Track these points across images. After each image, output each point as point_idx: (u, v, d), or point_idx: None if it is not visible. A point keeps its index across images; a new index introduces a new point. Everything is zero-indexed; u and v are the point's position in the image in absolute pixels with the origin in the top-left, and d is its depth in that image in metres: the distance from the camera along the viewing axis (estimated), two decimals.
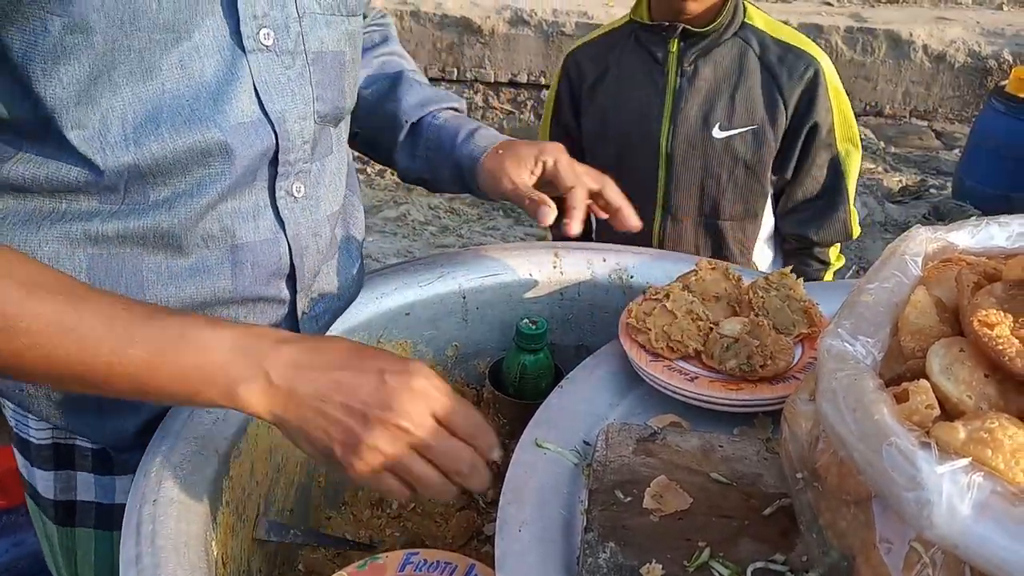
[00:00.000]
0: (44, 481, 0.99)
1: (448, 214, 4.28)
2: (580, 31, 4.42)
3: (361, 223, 1.12)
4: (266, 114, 0.82)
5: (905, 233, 0.77)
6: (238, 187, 0.83)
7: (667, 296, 0.93)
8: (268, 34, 0.80)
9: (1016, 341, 0.59)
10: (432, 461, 0.71)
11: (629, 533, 0.70)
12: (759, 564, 0.67)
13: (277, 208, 0.87)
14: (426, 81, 1.23)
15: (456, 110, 1.18)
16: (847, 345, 0.64)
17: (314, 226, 0.92)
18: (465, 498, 1.27)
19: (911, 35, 4.15)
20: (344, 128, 1.02)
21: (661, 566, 0.67)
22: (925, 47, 4.21)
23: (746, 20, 1.62)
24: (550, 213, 0.98)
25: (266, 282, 0.89)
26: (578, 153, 1.75)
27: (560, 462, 0.83)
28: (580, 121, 1.75)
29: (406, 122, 1.13)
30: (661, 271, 1.17)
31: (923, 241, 0.76)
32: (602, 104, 1.70)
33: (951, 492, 0.48)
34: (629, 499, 0.74)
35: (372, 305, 1.11)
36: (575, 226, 1.00)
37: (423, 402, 0.70)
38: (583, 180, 1.03)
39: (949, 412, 0.58)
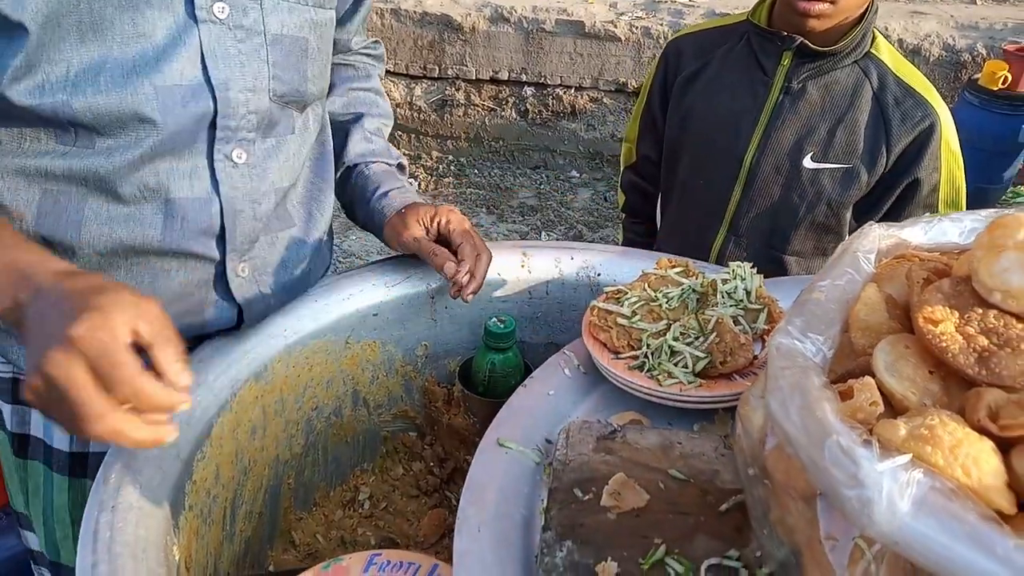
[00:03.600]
0: (6, 413, 1.05)
1: None
2: (561, 28, 4.42)
3: (328, 211, 1.14)
4: (209, 81, 0.86)
5: (859, 230, 0.78)
6: (175, 146, 0.87)
7: (627, 294, 0.93)
8: (223, 8, 0.86)
9: (960, 338, 0.59)
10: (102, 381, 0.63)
11: (586, 531, 0.71)
12: (713, 560, 0.68)
13: (214, 170, 0.91)
14: (386, 118, 1.29)
15: (389, 164, 1.24)
16: (796, 343, 0.64)
17: (253, 193, 0.96)
18: (437, 496, 1.27)
19: (886, 28, 4.17)
20: (312, 116, 1.06)
21: (616, 564, 0.67)
22: (900, 40, 4.23)
23: (871, 50, 1.45)
24: (452, 267, 1.05)
25: (195, 239, 0.93)
26: (659, 149, 1.66)
27: (521, 461, 0.83)
28: (666, 114, 1.63)
29: (343, 164, 1.21)
30: (628, 268, 1.17)
31: (876, 238, 0.77)
32: (693, 101, 1.56)
33: (891, 489, 0.49)
34: (588, 497, 0.75)
35: (340, 306, 1.11)
36: (470, 289, 1.05)
37: (114, 317, 0.64)
38: (470, 239, 1.09)
39: (894, 408, 0.59)
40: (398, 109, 4.69)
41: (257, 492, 1.05)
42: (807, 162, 1.44)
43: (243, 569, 1.00)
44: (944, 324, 0.60)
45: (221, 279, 0.98)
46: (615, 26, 4.36)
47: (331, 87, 1.19)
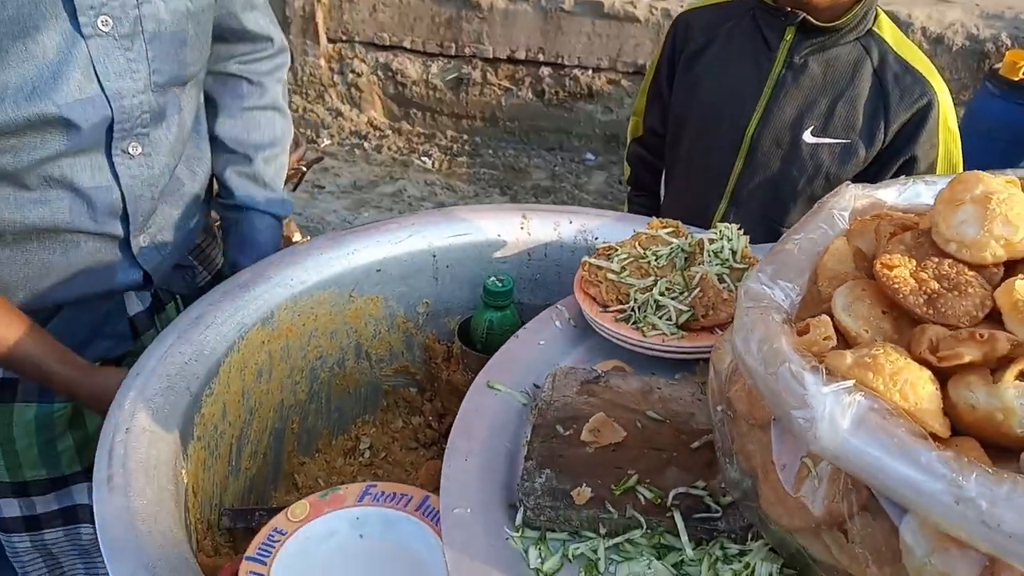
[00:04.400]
0: None
1: (444, 191, 4.32)
2: (580, 8, 4.42)
3: (206, 162, 1.24)
4: (104, 92, 0.95)
5: (835, 189, 0.82)
6: (78, 146, 0.96)
7: (618, 251, 0.98)
8: (106, 21, 0.93)
9: (913, 281, 0.63)
10: None
11: (565, 462, 0.76)
12: (681, 489, 0.72)
13: (113, 163, 1.01)
14: (282, 142, 1.35)
15: (271, 215, 1.32)
16: (764, 288, 0.68)
17: (150, 179, 1.06)
18: (435, 449, 1.32)
19: (910, 16, 4.15)
20: (194, 85, 1.12)
21: (590, 489, 0.72)
22: (924, 29, 4.21)
23: (873, 28, 1.48)
24: None
25: (101, 220, 1.04)
26: (666, 123, 1.69)
27: (510, 402, 0.88)
28: (672, 87, 1.65)
29: (223, 195, 1.30)
30: (624, 233, 1.20)
31: (852, 197, 0.81)
32: (699, 74, 1.58)
33: (834, 409, 0.53)
34: (568, 433, 0.80)
35: (344, 260, 1.16)
36: None
37: None
38: None
39: (849, 344, 0.63)
40: (414, 87, 4.72)
41: (262, 433, 1.11)
42: (807, 136, 1.47)
43: (247, 504, 1.06)
44: (899, 269, 0.64)
45: (126, 249, 1.09)
46: (635, 7, 4.36)
47: (223, 107, 1.26)
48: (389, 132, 4.80)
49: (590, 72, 4.61)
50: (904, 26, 4.18)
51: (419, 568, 0.84)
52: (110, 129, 0.98)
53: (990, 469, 0.48)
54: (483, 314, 1.17)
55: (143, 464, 0.78)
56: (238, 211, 1.30)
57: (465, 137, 4.79)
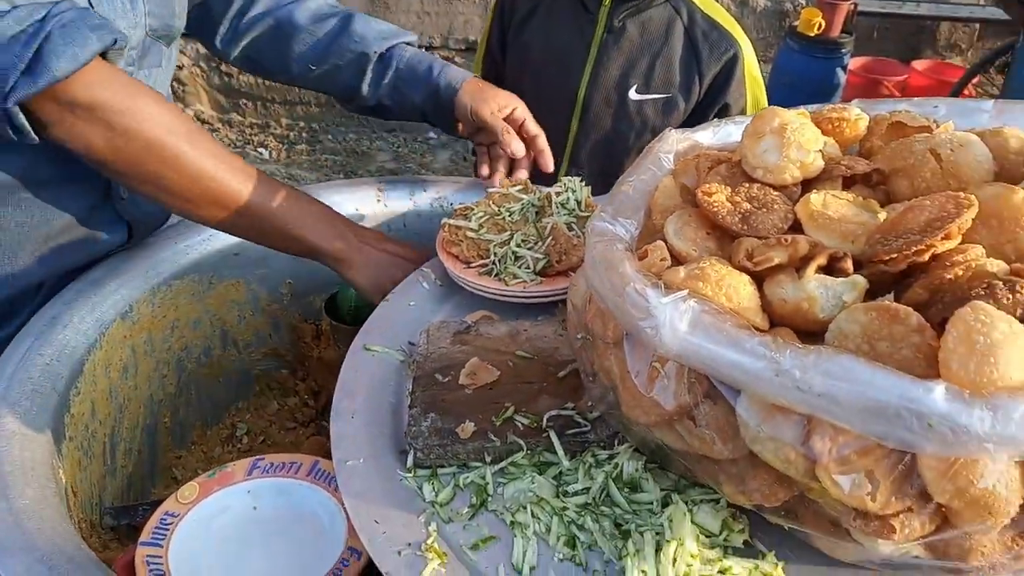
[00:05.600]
0: None
1: (287, 180, 4.21)
2: None
3: None
4: None
5: (660, 135, 0.92)
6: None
7: (474, 211, 1.04)
8: None
9: (728, 204, 0.74)
10: None
11: (447, 404, 0.82)
12: (553, 412, 0.80)
13: None
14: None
15: (411, 44, 1.32)
16: (608, 225, 0.77)
17: None
18: (314, 427, 1.34)
19: None
20: (175, 48, 1.13)
21: (473, 424, 0.78)
22: None
23: None
24: (521, 146, 1.21)
25: (82, 167, 0.97)
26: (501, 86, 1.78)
27: (387, 361, 0.92)
28: (506, 56, 1.74)
29: (374, 53, 1.26)
30: (477, 197, 1.27)
31: (674, 141, 0.91)
32: (527, 41, 1.68)
33: (672, 315, 0.62)
34: (447, 379, 0.85)
35: (200, 246, 1.15)
36: (550, 164, 1.25)
37: None
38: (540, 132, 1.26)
39: (682, 263, 0.72)
40: (241, 77, 4.54)
41: (134, 430, 1.09)
42: (632, 94, 1.59)
43: (128, 500, 1.04)
44: (717, 195, 0.74)
45: (108, 203, 1.05)
46: None
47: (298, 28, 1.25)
48: (219, 125, 4.60)
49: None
50: None
51: (318, 530, 0.87)
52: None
53: (800, 345, 0.58)
54: (348, 288, 1.20)
55: (19, 466, 0.76)
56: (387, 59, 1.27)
57: (301, 124, 4.68)
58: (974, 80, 3.80)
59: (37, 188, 0.97)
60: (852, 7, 3.73)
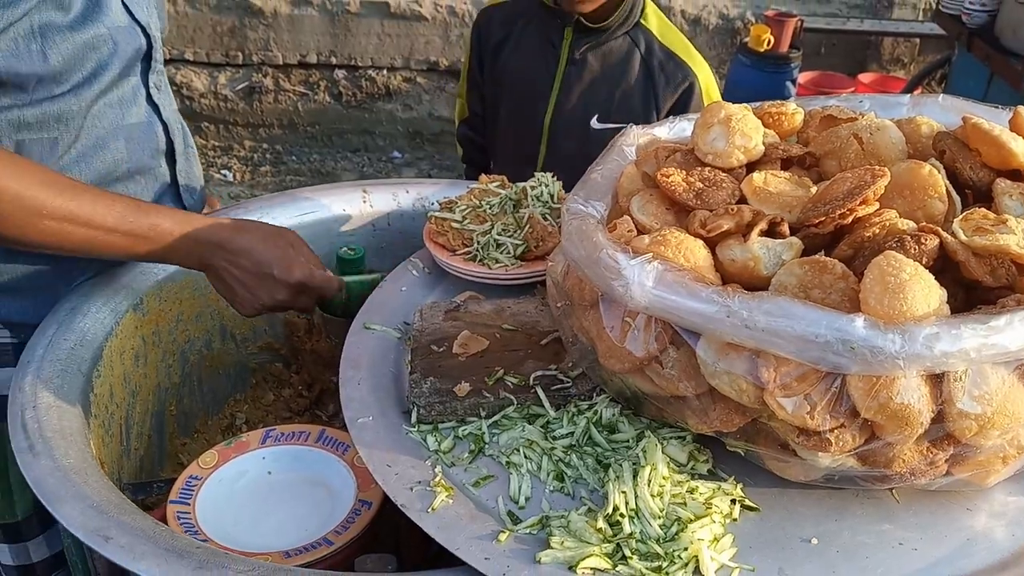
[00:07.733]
0: None
1: None
2: (366, 9, 4.53)
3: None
4: (136, 21, 1.07)
5: (623, 130, 1.04)
6: (121, 78, 1.05)
7: (458, 204, 1.15)
8: None
9: (684, 184, 0.86)
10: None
11: (443, 369, 0.92)
12: (539, 372, 0.91)
13: (150, 95, 1.12)
14: None
15: None
16: (580, 206, 0.88)
17: (174, 114, 1.17)
18: (308, 415, 1.43)
19: (670, 2, 4.67)
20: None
21: (468, 384, 0.89)
22: (683, 12, 4.75)
23: (641, 20, 1.68)
24: None
25: (152, 157, 1.13)
26: (484, 106, 1.86)
27: (385, 338, 1.02)
28: (484, 76, 1.84)
29: None
30: (456, 195, 1.38)
31: (635, 135, 1.03)
32: (502, 67, 1.77)
33: (640, 274, 0.74)
34: (442, 349, 0.96)
35: None
36: None
37: None
38: None
39: (646, 233, 0.84)
40: (202, 99, 4.57)
41: (145, 415, 1.16)
42: (594, 123, 1.69)
43: (142, 476, 1.12)
44: (674, 177, 0.86)
45: (172, 190, 1.18)
46: (420, 5, 4.52)
47: None
48: None
49: (385, 72, 4.70)
50: (666, 11, 4.68)
51: (328, 491, 0.96)
52: (146, 59, 1.09)
53: (747, 292, 0.70)
54: None
55: (59, 433, 0.84)
56: None
57: (265, 146, 4.72)
58: (916, 91, 4.03)
59: (110, 184, 1.08)
60: (799, 24, 3.92)
